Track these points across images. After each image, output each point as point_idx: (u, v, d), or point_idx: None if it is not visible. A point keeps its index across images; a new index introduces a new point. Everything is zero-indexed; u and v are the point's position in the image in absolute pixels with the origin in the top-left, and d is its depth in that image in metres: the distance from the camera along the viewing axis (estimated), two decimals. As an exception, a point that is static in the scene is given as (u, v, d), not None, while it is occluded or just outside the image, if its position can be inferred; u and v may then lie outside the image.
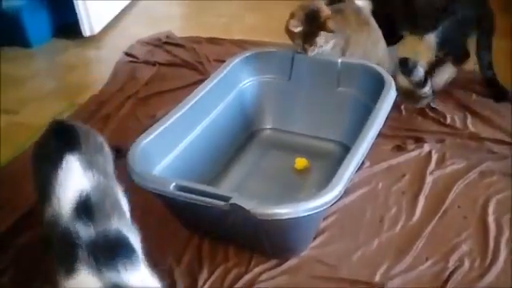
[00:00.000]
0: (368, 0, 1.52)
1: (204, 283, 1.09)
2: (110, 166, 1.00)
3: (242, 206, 0.91)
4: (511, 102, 1.56)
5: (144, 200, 1.24)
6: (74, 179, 0.90)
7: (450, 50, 1.56)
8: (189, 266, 1.14)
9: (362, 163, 1.38)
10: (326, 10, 1.33)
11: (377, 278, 1.08)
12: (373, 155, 1.37)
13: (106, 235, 0.84)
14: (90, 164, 0.93)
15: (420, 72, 1.45)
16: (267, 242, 1.10)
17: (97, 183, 0.91)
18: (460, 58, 1.59)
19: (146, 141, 1.12)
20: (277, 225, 0.96)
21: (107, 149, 1.03)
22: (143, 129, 1.20)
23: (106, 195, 0.91)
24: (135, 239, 0.89)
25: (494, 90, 1.58)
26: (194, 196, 0.96)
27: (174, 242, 1.19)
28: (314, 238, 1.18)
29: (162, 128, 1.17)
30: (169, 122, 1.19)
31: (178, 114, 1.22)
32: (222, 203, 0.93)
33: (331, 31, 1.31)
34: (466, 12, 1.50)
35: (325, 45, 1.33)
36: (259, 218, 0.90)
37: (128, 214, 0.96)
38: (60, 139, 0.96)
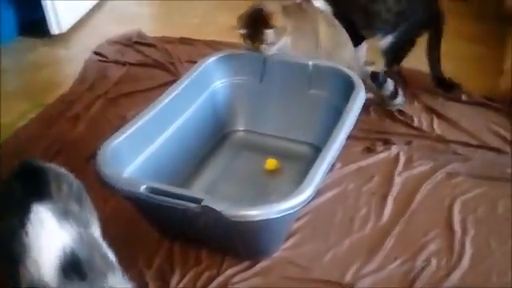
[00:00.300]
0: (327, 4, 1.55)
1: (176, 286, 1.08)
2: (91, 214, 0.87)
3: (214, 208, 0.91)
4: (459, 91, 1.64)
5: (114, 202, 1.23)
6: (50, 234, 0.75)
7: (399, 53, 1.61)
8: (160, 269, 1.12)
9: (333, 165, 1.39)
10: (271, 8, 1.34)
11: (347, 278, 1.10)
12: (343, 157, 1.39)
13: None
14: (65, 214, 0.78)
15: (390, 85, 1.50)
16: (239, 243, 1.10)
17: (78, 235, 0.77)
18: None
19: (116, 141, 1.11)
20: (249, 226, 0.97)
21: (85, 194, 0.90)
22: (114, 130, 1.18)
23: (93, 248, 0.78)
24: None
25: (442, 83, 1.66)
26: (165, 198, 0.95)
27: (145, 244, 1.18)
28: (286, 240, 1.19)
29: (132, 129, 1.16)
30: (140, 123, 1.18)
31: (149, 115, 1.20)
32: (193, 205, 0.93)
33: (275, 27, 1.31)
34: (419, 15, 1.56)
35: (276, 41, 1.34)
36: (231, 219, 0.90)
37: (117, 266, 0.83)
38: (26, 185, 0.80)
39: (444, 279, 1.08)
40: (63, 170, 0.89)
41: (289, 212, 0.94)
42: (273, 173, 1.37)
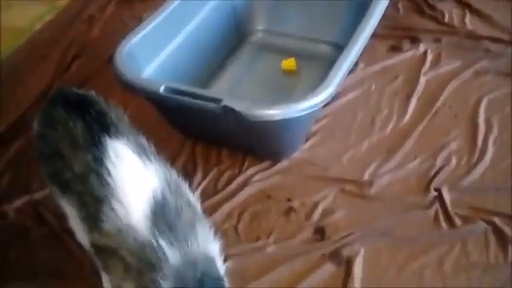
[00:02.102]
0: None
1: (198, 185, 1.12)
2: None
3: (234, 107, 0.90)
4: None
5: (135, 104, 1.24)
6: (135, 174, 0.65)
7: None
8: (183, 168, 1.16)
9: (356, 65, 1.35)
10: None
11: (366, 177, 1.11)
12: (367, 56, 1.34)
13: (193, 258, 0.62)
14: (143, 150, 0.69)
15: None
16: (259, 144, 1.11)
17: (164, 176, 0.67)
18: None
19: (133, 42, 1.08)
20: (269, 126, 0.97)
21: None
22: (129, 32, 1.15)
23: (180, 192, 0.69)
24: (217, 251, 0.69)
25: None
26: (185, 98, 0.95)
27: (168, 146, 1.20)
28: (306, 141, 1.20)
29: (148, 28, 1.12)
30: (155, 22, 1.14)
31: (164, 14, 1.16)
32: (213, 105, 0.92)
33: None
34: None
35: None
36: (251, 119, 0.90)
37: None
38: (81, 117, 0.69)
39: (463, 177, 1.08)
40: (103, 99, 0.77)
41: (309, 111, 0.93)
42: (292, 73, 1.35)
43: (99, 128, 0.68)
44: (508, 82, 1.29)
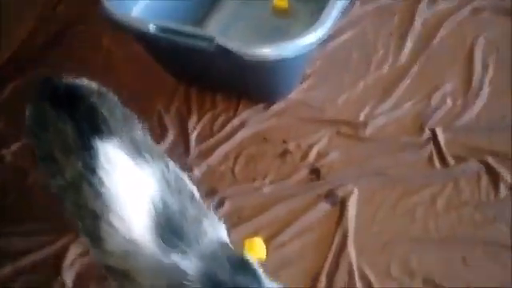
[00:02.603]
0: None
1: (194, 128, 1.11)
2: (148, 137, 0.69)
3: (227, 46, 0.88)
4: None
5: (126, 49, 1.21)
6: (130, 179, 0.59)
7: None
8: (177, 112, 1.15)
9: (351, 4, 1.32)
10: None
11: (361, 118, 1.11)
12: (363, -5, 1.31)
13: (211, 252, 0.58)
14: (136, 148, 0.62)
15: None
16: (254, 85, 1.10)
17: (162, 175, 0.61)
18: None
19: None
20: (263, 66, 0.95)
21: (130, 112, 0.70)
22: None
23: (182, 188, 0.63)
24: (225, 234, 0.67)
25: None
26: (176, 37, 0.92)
27: (161, 90, 1.19)
28: (300, 83, 1.19)
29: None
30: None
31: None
32: (205, 44, 0.90)
33: None
34: None
35: None
36: (244, 58, 0.88)
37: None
38: (70, 115, 0.62)
39: (457, 118, 1.08)
40: (95, 84, 0.70)
41: (304, 50, 0.91)
42: (284, 13, 1.31)
43: (90, 129, 0.61)
44: (506, 19, 1.26)
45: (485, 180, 0.96)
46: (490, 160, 0.98)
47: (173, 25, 0.96)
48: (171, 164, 0.67)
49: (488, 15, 1.28)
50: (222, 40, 0.89)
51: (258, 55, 0.88)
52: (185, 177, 0.69)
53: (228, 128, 1.11)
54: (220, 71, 1.05)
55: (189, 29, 0.95)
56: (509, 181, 0.95)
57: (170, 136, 1.10)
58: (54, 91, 0.67)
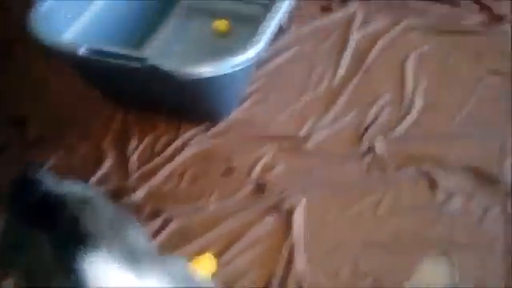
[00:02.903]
0: None
1: (134, 151, 1.09)
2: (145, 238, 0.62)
3: (160, 66, 0.88)
4: None
5: (62, 78, 1.18)
6: None
7: None
8: (116, 136, 1.13)
9: (288, 26, 1.36)
10: None
11: (303, 132, 1.13)
12: (299, 17, 1.36)
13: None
14: (128, 255, 0.54)
15: None
16: (193, 106, 1.10)
17: (161, 278, 0.54)
18: None
19: (48, 3, 1.02)
20: (199, 85, 0.95)
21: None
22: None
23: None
24: None
25: None
26: (107, 59, 0.91)
27: (99, 115, 1.17)
28: (242, 102, 1.20)
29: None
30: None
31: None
32: (138, 65, 0.89)
33: None
34: None
35: None
36: (179, 78, 0.88)
37: None
38: (56, 234, 0.54)
39: (393, 128, 1.12)
40: (78, 187, 0.61)
41: (238, 68, 0.92)
42: (224, 35, 1.33)
43: (72, 245, 0.52)
44: (434, 37, 1.35)
45: (422, 185, 0.99)
46: (427, 166, 1.02)
47: (104, 47, 0.95)
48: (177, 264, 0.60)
49: (418, 33, 1.37)
50: (154, 60, 0.89)
51: (192, 74, 0.89)
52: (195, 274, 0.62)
53: (170, 149, 1.10)
54: (158, 93, 1.04)
55: (120, 50, 0.94)
56: (445, 185, 0.99)
57: (109, 161, 1.07)
58: (27, 200, 0.57)
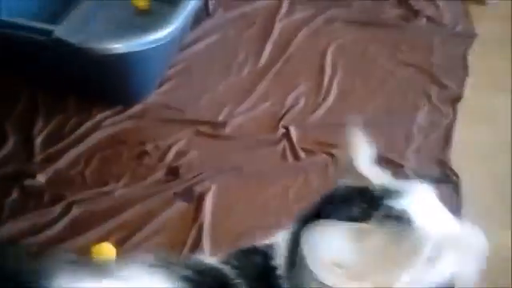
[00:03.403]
0: None
1: (39, 133, 1.03)
2: None
3: (67, 39, 0.83)
4: None
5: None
6: None
7: None
8: (20, 118, 1.06)
9: (214, 10, 1.35)
10: None
11: (221, 118, 1.12)
12: (225, 2, 1.34)
13: None
14: None
15: None
16: (107, 86, 1.06)
17: None
18: None
19: None
20: (112, 63, 0.92)
21: None
22: None
23: None
24: None
25: None
26: (9, 30, 0.85)
27: (2, 96, 1.10)
28: (160, 85, 1.17)
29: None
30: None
31: None
32: (43, 37, 0.84)
33: None
34: None
35: None
36: (90, 53, 0.84)
37: None
38: None
39: (309, 116, 1.14)
40: None
41: (151, 45, 0.90)
42: (144, 13, 1.29)
43: None
44: (354, 28, 1.38)
45: (331, 171, 1.02)
46: (336, 152, 1.04)
47: (9, 19, 0.89)
48: None
49: (339, 25, 1.39)
50: (62, 32, 0.84)
51: (101, 50, 0.85)
52: None
53: (81, 131, 1.05)
54: (69, 71, 1.00)
55: (24, 21, 0.88)
56: (353, 170, 1.02)
57: (11, 142, 1.01)
58: None
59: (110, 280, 0.45)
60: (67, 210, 0.90)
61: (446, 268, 0.48)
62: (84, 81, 1.03)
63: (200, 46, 1.29)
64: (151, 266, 0.47)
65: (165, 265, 0.47)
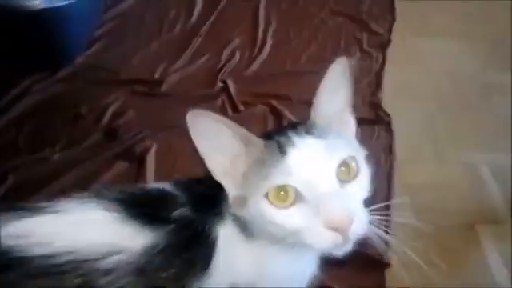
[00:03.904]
0: None
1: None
2: None
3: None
4: None
5: None
6: None
7: None
8: None
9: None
10: None
11: (156, 76, 1.10)
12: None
13: None
14: None
15: None
16: (33, 47, 1.00)
17: None
18: None
19: None
20: (35, 21, 0.87)
21: None
22: None
23: None
24: None
25: None
26: None
27: None
28: (90, 46, 1.13)
29: None
30: None
31: None
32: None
33: None
34: None
35: None
36: (9, 10, 0.79)
37: None
38: None
39: (245, 69, 1.15)
40: None
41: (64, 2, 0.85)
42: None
43: None
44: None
45: (271, 120, 1.04)
46: (274, 102, 1.06)
47: None
48: None
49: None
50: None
51: (16, 5, 0.80)
52: None
53: (7, 98, 1.00)
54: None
55: None
56: (290, 118, 1.04)
57: None
58: None
59: (42, 216, 0.45)
60: (3, 178, 0.86)
61: None
62: (6, 43, 0.97)
63: (128, 3, 1.25)
64: (83, 199, 0.47)
65: (97, 195, 0.48)
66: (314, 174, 0.43)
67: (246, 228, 0.47)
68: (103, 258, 0.44)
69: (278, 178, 0.43)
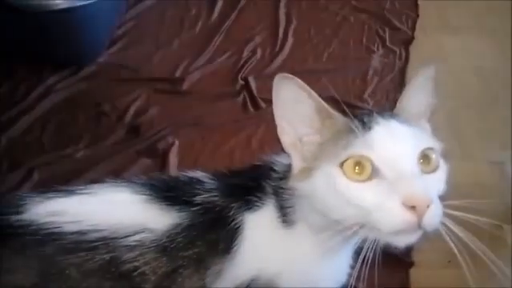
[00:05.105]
0: None
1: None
2: None
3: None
4: None
5: None
6: None
7: None
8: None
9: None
10: None
11: (177, 74, 1.11)
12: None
13: None
14: None
15: None
16: (56, 47, 1.01)
17: None
18: None
19: None
20: (58, 20, 0.87)
21: None
22: None
23: None
24: None
25: None
26: None
27: None
28: (112, 45, 1.14)
29: None
30: None
31: None
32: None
33: None
34: None
35: None
36: (29, 10, 0.80)
37: None
38: None
39: (267, 66, 1.14)
40: None
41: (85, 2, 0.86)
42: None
43: None
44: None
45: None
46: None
47: None
48: None
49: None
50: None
51: (40, 5, 0.81)
52: None
53: (32, 97, 1.01)
54: (14, 33, 0.94)
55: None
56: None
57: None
58: None
59: (75, 196, 0.48)
60: (28, 175, 0.87)
61: None
62: (30, 43, 0.99)
63: (149, 2, 1.26)
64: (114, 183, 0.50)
65: (127, 181, 0.50)
66: (396, 153, 0.43)
67: (287, 213, 0.47)
68: (129, 235, 0.46)
69: (359, 149, 0.43)
